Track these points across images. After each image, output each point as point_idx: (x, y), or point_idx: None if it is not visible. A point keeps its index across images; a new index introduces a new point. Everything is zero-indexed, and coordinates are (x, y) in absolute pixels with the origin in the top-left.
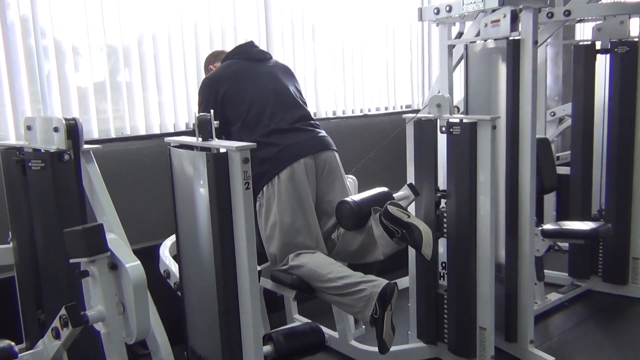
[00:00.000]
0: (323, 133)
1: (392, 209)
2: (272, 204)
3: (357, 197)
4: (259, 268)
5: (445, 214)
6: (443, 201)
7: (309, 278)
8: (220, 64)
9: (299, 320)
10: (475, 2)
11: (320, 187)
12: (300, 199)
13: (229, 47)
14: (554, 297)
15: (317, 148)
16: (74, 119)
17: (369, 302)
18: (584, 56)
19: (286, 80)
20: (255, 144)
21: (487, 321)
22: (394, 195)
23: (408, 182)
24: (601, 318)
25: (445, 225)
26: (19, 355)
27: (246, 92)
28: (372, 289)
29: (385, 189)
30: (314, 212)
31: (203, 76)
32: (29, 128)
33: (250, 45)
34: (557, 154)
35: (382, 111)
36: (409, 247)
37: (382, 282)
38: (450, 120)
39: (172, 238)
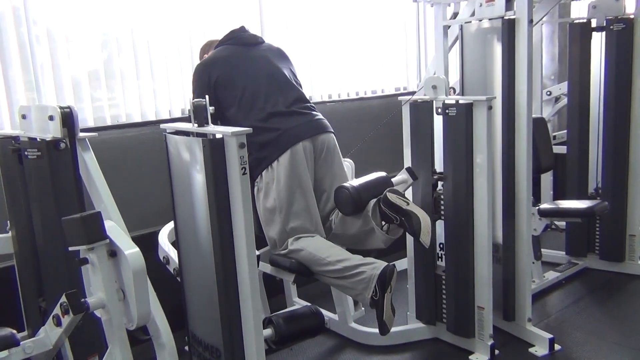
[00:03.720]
0: (320, 116)
1: (391, 196)
2: (271, 188)
3: (355, 182)
4: (257, 252)
5: (442, 196)
6: (440, 183)
7: (308, 262)
8: (213, 51)
9: (298, 303)
10: None
11: (318, 170)
12: (300, 182)
13: (222, 32)
14: (551, 275)
15: (315, 131)
16: (68, 107)
17: (368, 284)
18: (580, 34)
19: (280, 63)
20: (252, 128)
21: (485, 301)
22: (392, 179)
23: (406, 166)
24: (598, 295)
25: (442, 207)
26: (21, 342)
27: (239, 75)
28: (372, 271)
29: (383, 173)
30: (313, 196)
31: (198, 61)
32: (24, 117)
33: (241, 30)
34: (554, 133)
35: (378, 94)
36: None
37: (382, 264)
38: (446, 101)
39: (171, 224)
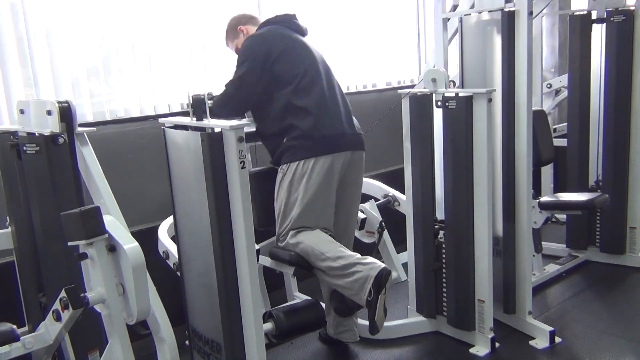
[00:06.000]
0: (360, 131)
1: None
2: (300, 181)
3: None
4: (257, 246)
5: (444, 245)
6: (441, 232)
7: (307, 255)
8: (260, 29)
9: (299, 297)
10: None
11: (342, 184)
12: (329, 188)
13: (220, 28)
14: (551, 268)
15: (357, 147)
16: (66, 102)
17: (364, 284)
18: (580, 26)
19: (322, 59)
20: (304, 113)
21: (485, 294)
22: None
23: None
24: (599, 288)
25: (444, 254)
26: (21, 338)
27: (301, 58)
28: (368, 271)
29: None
30: (334, 205)
31: (196, 56)
32: (22, 112)
33: (292, 17)
34: (554, 126)
35: (378, 87)
36: (407, 221)
37: (378, 265)
38: (446, 94)
39: (170, 219)
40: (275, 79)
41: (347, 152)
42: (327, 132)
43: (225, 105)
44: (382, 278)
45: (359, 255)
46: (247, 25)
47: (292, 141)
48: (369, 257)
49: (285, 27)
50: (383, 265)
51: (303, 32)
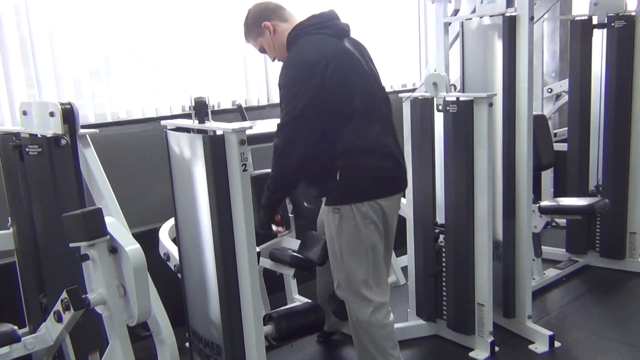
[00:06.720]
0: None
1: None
2: (364, 228)
3: None
4: (258, 249)
5: (444, 249)
6: (441, 236)
7: (377, 335)
8: (302, 38)
9: (298, 300)
10: None
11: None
12: (388, 234)
13: (222, 28)
14: (551, 272)
15: (405, 187)
16: (69, 104)
17: None
18: (581, 31)
19: (374, 72)
20: (365, 150)
21: (485, 298)
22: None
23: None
24: (598, 293)
25: (444, 259)
26: (22, 338)
27: (359, 81)
28: None
29: None
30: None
31: (198, 58)
32: (24, 113)
33: (334, 17)
34: (555, 131)
35: None
36: (408, 225)
37: None
38: (447, 98)
39: (171, 221)
40: (333, 113)
41: (401, 193)
42: (389, 174)
43: (288, 161)
44: None
45: None
46: (274, 20)
47: (350, 181)
48: None
49: (333, 36)
50: None
51: (348, 34)
